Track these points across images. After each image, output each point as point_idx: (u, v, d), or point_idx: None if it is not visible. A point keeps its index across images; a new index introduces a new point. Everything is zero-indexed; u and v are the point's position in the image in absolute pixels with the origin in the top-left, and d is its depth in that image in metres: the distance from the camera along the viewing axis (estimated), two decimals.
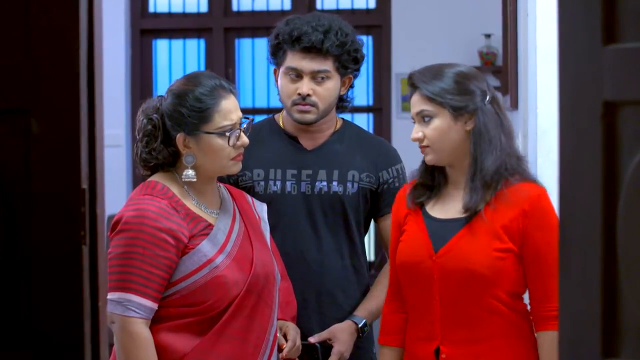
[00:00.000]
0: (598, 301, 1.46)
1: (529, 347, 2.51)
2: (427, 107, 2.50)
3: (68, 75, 1.65)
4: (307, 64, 2.87)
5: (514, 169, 2.50)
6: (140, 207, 2.49)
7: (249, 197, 2.80)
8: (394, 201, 2.70)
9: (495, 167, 2.46)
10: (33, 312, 1.63)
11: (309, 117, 2.89)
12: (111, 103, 6.46)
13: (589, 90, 1.50)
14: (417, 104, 2.52)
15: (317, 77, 2.88)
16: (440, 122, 2.49)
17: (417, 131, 2.52)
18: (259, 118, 3.14)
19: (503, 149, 2.48)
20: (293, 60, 2.88)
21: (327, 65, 2.89)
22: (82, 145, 1.65)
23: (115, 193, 6.27)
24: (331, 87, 2.90)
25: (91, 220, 1.69)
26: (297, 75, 2.88)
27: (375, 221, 3.06)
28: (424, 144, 2.52)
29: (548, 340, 2.44)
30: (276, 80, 2.99)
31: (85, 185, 1.66)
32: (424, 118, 2.51)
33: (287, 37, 2.87)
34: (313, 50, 2.86)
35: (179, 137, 2.54)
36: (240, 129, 2.58)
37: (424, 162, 2.59)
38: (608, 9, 1.46)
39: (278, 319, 2.70)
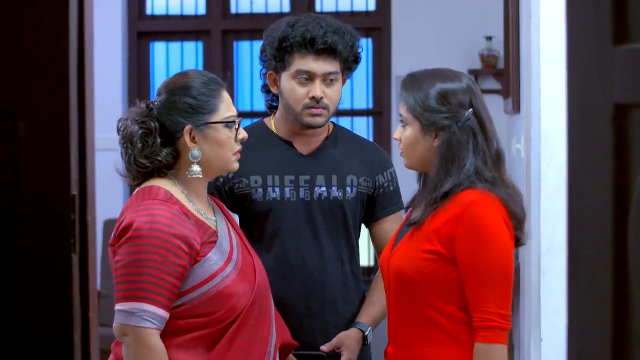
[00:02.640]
0: (609, 311, 1.43)
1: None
2: (404, 114, 2.54)
3: (57, 77, 1.59)
4: (320, 67, 2.83)
5: (470, 185, 2.45)
6: (152, 212, 2.40)
7: (224, 205, 2.75)
8: None
9: (449, 188, 2.45)
10: (21, 323, 1.57)
11: (321, 120, 2.86)
12: (108, 106, 6.44)
13: (599, 92, 1.46)
14: (400, 107, 2.57)
15: (327, 79, 2.84)
16: (412, 131, 2.52)
17: (398, 133, 2.57)
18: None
19: (467, 170, 2.45)
20: (304, 63, 2.83)
21: (337, 66, 2.86)
22: (72, 150, 1.60)
23: (112, 198, 6.23)
24: (339, 89, 2.88)
25: (82, 228, 1.63)
26: (308, 78, 2.83)
27: (368, 226, 3.02)
28: (400, 147, 2.57)
29: (476, 353, 2.39)
30: (272, 85, 2.93)
31: (75, 191, 1.61)
32: (402, 122, 2.55)
33: (300, 39, 2.81)
34: (326, 52, 2.82)
35: (187, 130, 2.48)
36: (239, 122, 2.56)
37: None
38: (619, 8, 1.42)
39: (284, 344, 2.65)
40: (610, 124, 1.43)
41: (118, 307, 2.38)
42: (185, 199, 2.50)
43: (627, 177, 1.42)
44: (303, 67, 2.83)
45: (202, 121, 2.49)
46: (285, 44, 2.84)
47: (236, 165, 2.56)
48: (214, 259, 2.44)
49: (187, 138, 2.48)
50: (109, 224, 6.10)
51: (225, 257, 2.47)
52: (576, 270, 1.50)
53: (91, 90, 1.73)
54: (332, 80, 2.85)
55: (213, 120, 2.50)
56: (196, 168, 2.49)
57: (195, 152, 2.49)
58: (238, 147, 2.54)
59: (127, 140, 2.51)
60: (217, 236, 2.49)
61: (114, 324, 2.41)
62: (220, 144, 2.51)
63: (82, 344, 1.70)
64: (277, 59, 2.86)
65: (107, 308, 6.10)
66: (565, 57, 1.56)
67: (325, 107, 2.84)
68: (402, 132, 2.54)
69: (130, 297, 2.36)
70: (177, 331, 2.42)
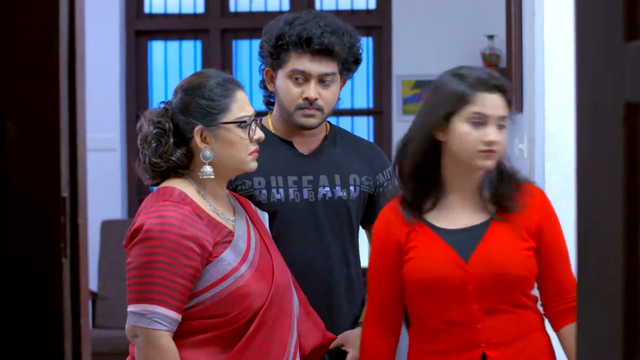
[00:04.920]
0: (620, 317, 1.38)
1: (547, 336, 2.62)
2: (506, 114, 2.52)
3: (47, 76, 1.54)
4: (316, 67, 2.78)
5: (523, 178, 2.63)
6: (162, 214, 2.40)
7: (252, 204, 2.72)
8: (379, 222, 2.61)
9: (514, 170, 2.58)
10: (9, 331, 1.52)
11: (314, 121, 2.81)
12: (105, 106, 6.40)
13: (609, 91, 1.41)
14: (501, 108, 2.51)
15: (323, 80, 2.80)
16: (507, 130, 2.54)
17: (499, 136, 2.51)
18: None
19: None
20: (300, 62, 2.78)
21: (334, 67, 2.81)
22: (62, 150, 1.55)
23: (110, 198, 6.19)
24: (335, 90, 2.84)
25: (72, 231, 1.58)
26: (303, 78, 2.78)
27: (365, 226, 2.97)
28: (495, 148, 2.50)
29: (574, 333, 2.47)
30: (268, 82, 2.88)
31: (65, 193, 1.56)
32: (502, 124, 2.52)
33: (295, 38, 2.76)
34: (323, 52, 2.77)
35: (197, 131, 2.47)
36: (257, 122, 2.54)
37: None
38: (630, 2, 1.36)
39: (318, 345, 2.65)
40: (621, 124, 1.38)
41: (129, 308, 2.38)
42: (201, 199, 2.48)
43: (638, 180, 1.37)
44: (298, 67, 2.78)
45: (213, 121, 2.47)
46: (281, 41, 2.79)
47: (253, 165, 2.53)
48: (227, 259, 2.42)
49: (197, 138, 2.47)
50: (106, 225, 6.06)
51: (239, 257, 2.44)
52: (586, 274, 1.46)
53: (82, 89, 1.67)
54: (328, 81, 2.80)
55: (224, 121, 2.48)
56: (208, 169, 2.48)
57: (207, 152, 2.47)
58: (253, 147, 2.52)
59: (143, 140, 2.52)
60: (233, 236, 2.47)
61: (126, 325, 2.41)
62: (232, 144, 2.48)
63: (73, 352, 1.65)
64: (274, 56, 2.82)
65: (104, 309, 6.05)
66: (572, 54, 1.51)
67: (319, 108, 2.79)
68: (502, 134, 2.52)
69: (141, 298, 2.36)
70: (191, 331, 2.41)
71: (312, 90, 2.77)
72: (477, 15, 6.28)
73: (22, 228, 1.50)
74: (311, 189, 2.84)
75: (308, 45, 2.76)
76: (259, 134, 2.52)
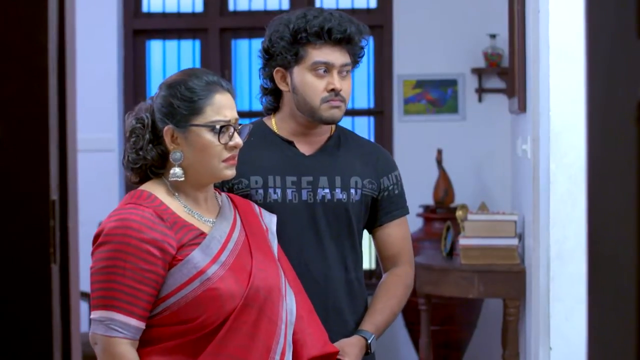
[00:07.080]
0: (633, 325, 1.34)
1: None
2: None
3: (36, 75, 1.48)
4: (338, 57, 2.76)
5: None
6: (122, 217, 2.33)
7: (256, 207, 2.64)
8: None
9: None
10: None
11: (339, 114, 2.78)
12: (103, 106, 6.35)
13: (621, 89, 1.37)
14: None
15: (342, 71, 2.78)
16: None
17: None
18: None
19: None
20: (321, 54, 2.75)
21: (349, 58, 2.79)
22: (51, 151, 1.49)
23: (107, 199, 6.14)
24: (350, 82, 2.81)
25: (62, 235, 1.52)
26: (326, 70, 2.75)
27: (372, 231, 2.91)
28: None
29: None
30: (280, 82, 2.81)
31: (55, 196, 1.50)
32: None
33: (318, 29, 2.74)
34: (342, 41, 2.76)
35: (167, 130, 2.40)
36: (235, 128, 2.43)
37: None
38: None
39: (317, 357, 2.53)
40: (633, 123, 1.33)
41: (91, 315, 2.32)
42: (175, 201, 2.42)
43: None
44: (320, 59, 2.75)
45: (183, 122, 2.40)
46: (300, 35, 2.74)
47: (227, 173, 2.44)
48: (194, 261, 2.34)
49: (167, 138, 2.41)
50: None
51: (209, 258, 2.36)
52: (597, 282, 1.41)
53: (72, 88, 1.62)
54: (346, 72, 2.78)
55: (195, 123, 2.40)
56: (177, 171, 2.40)
57: (177, 154, 2.40)
58: (228, 154, 2.42)
59: (126, 135, 2.46)
60: (205, 237, 2.39)
61: (89, 333, 2.35)
62: (202, 148, 2.40)
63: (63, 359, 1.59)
64: (291, 52, 2.76)
65: None
66: (578, 53, 1.46)
67: (343, 100, 2.77)
68: None
69: (101, 305, 2.31)
70: (161, 338, 2.34)
71: (336, 80, 2.75)
72: (479, 14, 6.22)
73: (9, 233, 1.44)
74: (310, 190, 2.79)
75: (330, 36, 2.74)
76: (235, 141, 2.43)
